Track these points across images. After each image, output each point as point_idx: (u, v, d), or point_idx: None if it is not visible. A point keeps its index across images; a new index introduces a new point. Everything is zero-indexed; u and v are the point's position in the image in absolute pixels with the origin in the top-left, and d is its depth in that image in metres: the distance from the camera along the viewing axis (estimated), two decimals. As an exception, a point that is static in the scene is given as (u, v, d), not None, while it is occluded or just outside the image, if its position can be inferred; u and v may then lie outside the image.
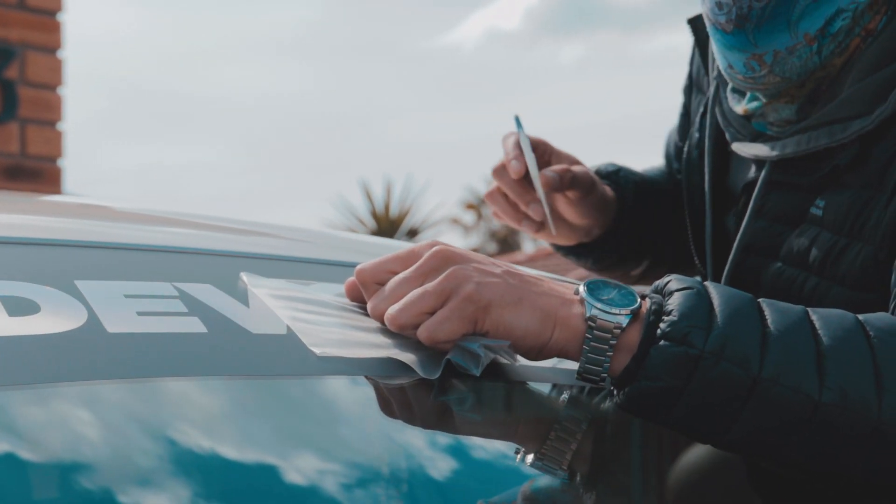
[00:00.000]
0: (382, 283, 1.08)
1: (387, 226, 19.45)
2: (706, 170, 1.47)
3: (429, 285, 1.03)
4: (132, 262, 1.16)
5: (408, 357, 1.02)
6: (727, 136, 1.45)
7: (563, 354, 1.05)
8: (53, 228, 1.25)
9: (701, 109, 1.52)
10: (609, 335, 1.03)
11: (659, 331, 1.02)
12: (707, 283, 1.07)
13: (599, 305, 1.03)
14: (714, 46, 1.38)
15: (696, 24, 1.56)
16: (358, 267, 1.10)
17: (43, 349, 0.97)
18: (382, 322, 1.07)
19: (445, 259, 1.05)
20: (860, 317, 1.05)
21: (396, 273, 1.07)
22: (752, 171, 1.43)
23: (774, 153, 1.35)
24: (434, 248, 1.06)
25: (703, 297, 1.04)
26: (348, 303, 1.14)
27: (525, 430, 1.07)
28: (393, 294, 1.05)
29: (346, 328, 1.06)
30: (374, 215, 19.96)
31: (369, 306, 1.08)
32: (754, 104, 1.39)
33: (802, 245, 1.32)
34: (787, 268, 1.34)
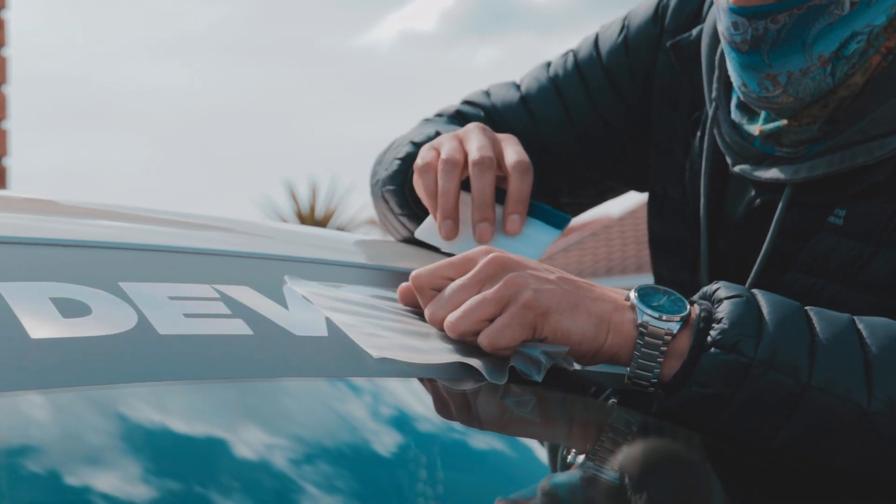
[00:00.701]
0: (438, 289, 1.10)
1: (312, 226, 19.36)
2: (702, 192, 1.48)
3: (488, 292, 1.06)
4: (170, 265, 1.17)
5: (474, 361, 1.04)
6: (728, 159, 1.44)
7: (614, 359, 1.09)
8: (89, 231, 1.27)
9: (699, 133, 1.51)
10: (660, 341, 1.06)
11: (709, 338, 1.06)
12: (756, 291, 1.10)
13: (650, 312, 1.07)
14: (729, 64, 1.38)
15: (678, 48, 1.55)
16: (414, 273, 1.13)
17: (99, 350, 0.98)
18: (440, 328, 1.09)
19: (502, 266, 1.08)
20: None
21: (452, 279, 1.10)
22: (752, 192, 1.43)
23: (801, 175, 1.35)
24: (490, 255, 1.09)
25: (752, 306, 1.07)
26: (394, 306, 1.16)
27: (576, 433, 1.10)
28: (451, 301, 1.08)
29: (399, 332, 1.09)
30: (300, 216, 19.90)
31: (427, 312, 1.10)
32: (772, 125, 1.39)
33: (819, 254, 1.34)
34: (801, 276, 1.35)
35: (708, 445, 1.12)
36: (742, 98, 1.39)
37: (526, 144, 1.58)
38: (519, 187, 1.35)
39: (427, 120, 1.72)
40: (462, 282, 1.08)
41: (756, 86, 1.34)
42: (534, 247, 1.33)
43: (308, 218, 19.86)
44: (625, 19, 1.66)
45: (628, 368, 1.08)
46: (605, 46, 1.65)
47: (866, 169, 1.31)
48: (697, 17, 1.58)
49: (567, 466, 1.04)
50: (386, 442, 1.00)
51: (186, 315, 1.06)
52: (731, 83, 1.45)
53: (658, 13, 1.62)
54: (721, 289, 1.10)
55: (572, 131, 1.64)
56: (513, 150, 1.37)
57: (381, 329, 1.08)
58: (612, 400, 1.13)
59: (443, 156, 1.37)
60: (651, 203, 1.62)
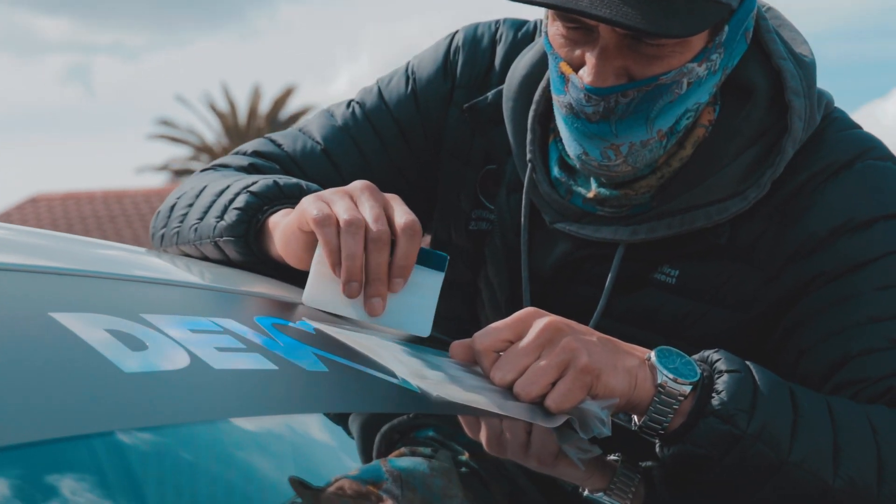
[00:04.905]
0: (498, 351, 1.26)
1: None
2: (523, 248, 1.60)
3: (550, 360, 1.23)
4: (171, 297, 1.22)
5: (554, 419, 1.22)
6: (546, 216, 1.57)
7: (630, 410, 1.28)
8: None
9: (503, 192, 1.64)
10: (674, 401, 1.27)
11: (709, 406, 1.27)
12: (750, 366, 1.31)
13: (669, 374, 1.27)
14: (567, 133, 1.50)
15: (474, 110, 1.66)
16: (477, 335, 1.28)
17: (186, 383, 1.04)
18: (506, 388, 1.25)
19: (557, 331, 1.25)
20: (868, 411, 1.34)
21: (511, 342, 1.25)
22: (566, 245, 1.59)
23: (639, 237, 1.51)
24: (545, 321, 1.25)
25: (748, 382, 1.29)
26: (409, 350, 1.28)
27: None
28: (516, 366, 1.24)
29: (449, 378, 1.22)
30: None
31: (496, 376, 1.25)
32: (607, 191, 1.53)
33: (645, 308, 1.53)
34: (619, 325, 1.51)
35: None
36: (579, 165, 1.51)
37: None
38: (406, 251, 1.33)
39: (211, 170, 1.69)
40: (524, 347, 1.24)
41: (599, 154, 1.47)
42: (426, 296, 1.37)
43: None
44: (409, 71, 1.74)
45: (635, 417, 1.29)
46: (392, 98, 1.72)
47: (703, 232, 1.51)
48: (489, 74, 1.70)
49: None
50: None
51: (218, 349, 1.12)
52: (546, 145, 1.60)
53: (447, 69, 1.71)
54: (722, 360, 1.31)
55: (372, 181, 1.63)
56: (401, 211, 1.35)
57: (439, 376, 1.21)
58: (615, 455, 1.32)
59: (344, 215, 1.33)
60: (434, 247, 1.73)
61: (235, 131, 31.54)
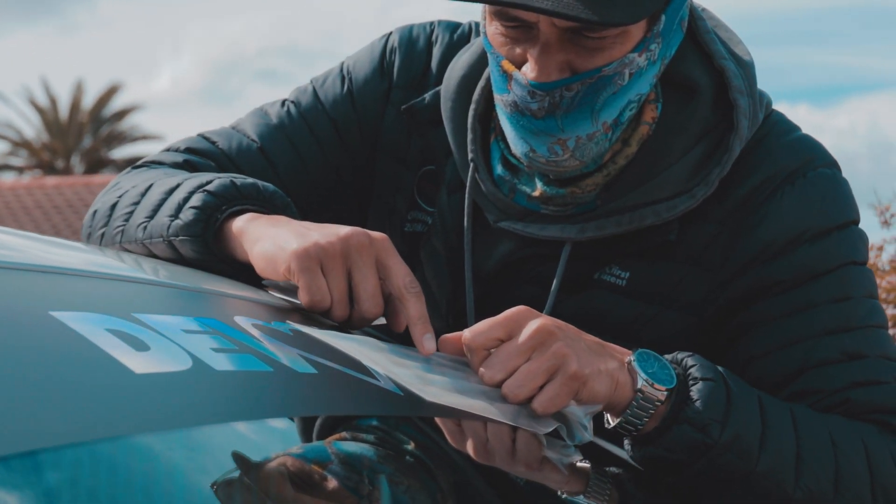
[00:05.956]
0: (489, 349, 1.25)
1: None
2: (466, 249, 1.57)
3: (540, 364, 1.23)
4: (156, 296, 1.18)
5: (548, 424, 1.23)
6: (490, 215, 1.56)
7: (607, 410, 1.29)
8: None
9: (444, 193, 1.62)
10: (650, 405, 1.28)
11: (683, 413, 1.29)
12: (724, 374, 1.33)
13: (647, 378, 1.28)
14: (512, 132, 1.50)
15: (412, 111, 1.65)
16: (469, 332, 1.27)
17: (194, 385, 1.01)
18: (495, 386, 1.24)
19: (549, 334, 1.24)
20: (828, 422, 1.37)
21: (502, 340, 1.25)
22: (508, 245, 1.57)
23: (587, 235, 1.49)
24: (537, 323, 1.24)
25: (722, 392, 1.31)
26: (403, 351, 1.26)
27: None
28: (506, 366, 1.23)
29: (443, 384, 1.21)
30: None
31: (486, 375, 1.24)
32: (554, 190, 1.52)
33: (593, 310, 1.51)
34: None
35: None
36: (526, 163, 1.50)
37: None
38: (420, 310, 1.30)
39: (145, 168, 1.64)
40: (515, 348, 1.24)
41: (546, 150, 1.46)
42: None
43: None
44: (344, 71, 1.72)
45: (609, 416, 1.30)
46: (328, 98, 1.70)
47: (652, 230, 1.49)
48: (426, 76, 1.69)
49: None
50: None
51: (214, 350, 1.09)
52: (487, 145, 1.59)
53: (384, 69, 1.70)
54: (697, 367, 1.32)
55: (308, 181, 1.67)
56: (399, 270, 1.32)
57: (425, 378, 1.20)
58: (585, 461, 1.33)
59: (336, 311, 1.30)
60: None
61: (56, 126, 30.72)
